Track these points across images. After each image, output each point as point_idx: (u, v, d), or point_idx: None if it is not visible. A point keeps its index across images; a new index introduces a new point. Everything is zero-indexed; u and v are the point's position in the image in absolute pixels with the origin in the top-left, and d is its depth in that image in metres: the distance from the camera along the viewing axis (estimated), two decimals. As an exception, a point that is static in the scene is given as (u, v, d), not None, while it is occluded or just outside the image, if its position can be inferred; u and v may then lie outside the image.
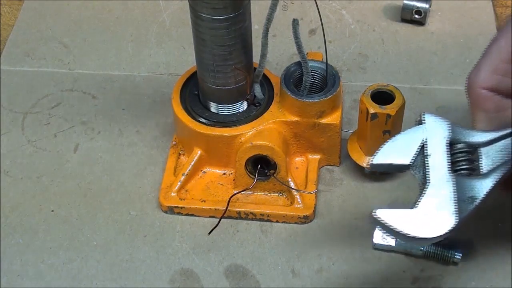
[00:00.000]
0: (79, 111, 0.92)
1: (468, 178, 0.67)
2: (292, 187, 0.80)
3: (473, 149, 0.69)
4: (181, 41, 0.99)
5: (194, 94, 0.83)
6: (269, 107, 0.81)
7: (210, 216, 0.81)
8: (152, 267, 0.78)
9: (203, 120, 0.81)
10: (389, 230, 0.64)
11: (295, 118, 0.80)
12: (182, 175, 0.82)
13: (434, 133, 0.68)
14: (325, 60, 0.80)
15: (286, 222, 0.81)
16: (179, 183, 0.82)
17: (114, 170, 0.86)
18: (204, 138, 0.81)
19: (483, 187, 0.66)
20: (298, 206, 0.80)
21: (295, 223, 0.81)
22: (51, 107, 0.92)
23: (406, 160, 0.68)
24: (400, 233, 0.64)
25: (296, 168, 0.83)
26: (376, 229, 0.77)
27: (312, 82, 0.82)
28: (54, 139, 0.89)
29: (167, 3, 1.04)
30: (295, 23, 0.77)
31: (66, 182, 0.85)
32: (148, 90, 0.94)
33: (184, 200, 0.81)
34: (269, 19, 0.76)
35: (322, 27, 0.78)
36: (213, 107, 0.82)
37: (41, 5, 1.05)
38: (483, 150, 0.68)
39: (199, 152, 0.82)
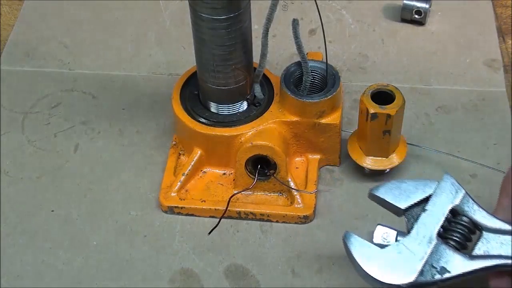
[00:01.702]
0: (79, 111, 0.92)
1: (451, 250, 0.63)
2: (292, 187, 0.80)
3: (475, 229, 0.65)
4: (181, 41, 0.99)
5: (194, 94, 0.83)
6: (269, 107, 0.81)
7: (210, 216, 0.81)
8: (152, 267, 0.78)
9: (203, 120, 0.81)
10: (349, 254, 0.64)
11: (295, 118, 0.80)
12: (182, 175, 0.82)
13: (443, 193, 0.66)
14: (325, 60, 0.80)
15: (286, 222, 0.81)
16: (179, 183, 0.82)
17: (114, 170, 0.86)
18: (204, 138, 0.81)
19: (462, 265, 0.62)
20: (298, 206, 0.80)
21: (295, 223, 0.80)
22: (51, 107, 0.92)
23: (402, 205, 0.66)
24: (356, 262, 0.64)
25: (296, 168, 0.83)
26: (376, 229, 0.77)
27: (312, 82, 0.81)
28: (54, 139, 0.89)
29: (167, 3, 1.04)
30: (295, 23, 0.77)
31: (66, 182, 0.85)
32: (148, 90, 0.94)
33: (184, 200, 0.81)
34: (269, 19, 0.76)
35: (322, 27, 0.78)
36: (213, 107, 0.82)
37: (41, 5, 1.05)
38: (485, 234, 0.64)
39: (199, 152, 0.82)
